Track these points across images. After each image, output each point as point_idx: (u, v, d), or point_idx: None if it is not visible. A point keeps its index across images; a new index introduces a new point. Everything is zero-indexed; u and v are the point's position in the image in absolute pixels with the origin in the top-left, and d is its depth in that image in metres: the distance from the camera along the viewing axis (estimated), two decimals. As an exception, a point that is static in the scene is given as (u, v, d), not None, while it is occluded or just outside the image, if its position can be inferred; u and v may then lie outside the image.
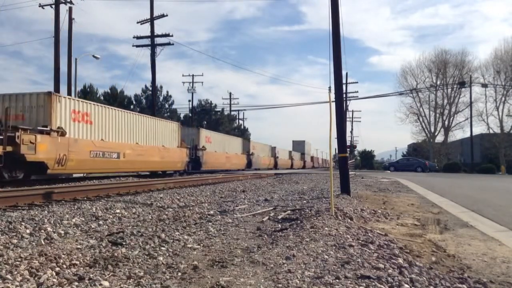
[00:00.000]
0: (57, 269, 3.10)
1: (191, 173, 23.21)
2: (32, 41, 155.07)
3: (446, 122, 50.58)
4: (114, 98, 42.60)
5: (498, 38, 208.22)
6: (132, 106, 44.58)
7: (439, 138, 51.91)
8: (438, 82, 51.30)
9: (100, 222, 5.60)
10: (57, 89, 23.61)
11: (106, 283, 2.79)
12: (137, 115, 19.22)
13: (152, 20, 28.79)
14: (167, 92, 51.94)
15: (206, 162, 26.07)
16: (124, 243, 4.11)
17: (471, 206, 7.93)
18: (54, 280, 2.83)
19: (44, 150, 12.72)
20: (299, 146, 63.68)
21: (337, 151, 14.52)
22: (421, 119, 51.84)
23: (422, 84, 51.61)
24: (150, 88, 38.80)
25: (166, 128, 21.29)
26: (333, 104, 8.36)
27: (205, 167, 26.04)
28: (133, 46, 29.77)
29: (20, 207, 7.05)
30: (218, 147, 28.95)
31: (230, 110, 57.43)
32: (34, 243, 4.18)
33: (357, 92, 63.76)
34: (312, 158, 76.46)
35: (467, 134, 45.42)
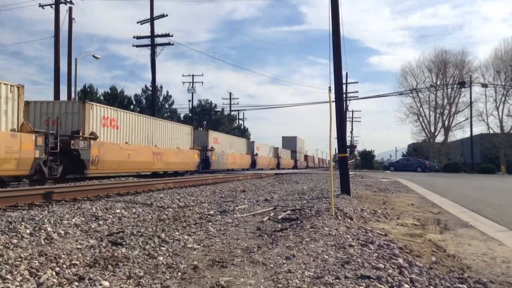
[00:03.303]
0: (57, 269, 3.10)
1: (66, 180, 14.01)
2: (33, 41, 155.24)
3: (446, 122, 50.56)
4: (114, 98, 42.58)
5: (498, 38, 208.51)
6: (132, 106, 44.57)
7: (439, 138, 51.92)
8: (438, 82, 51.24)
9: (100, 222, 5.59)
10: (57, 89, 23.64)
11: (106, 283, 2.79)
12: None
13: (152, 20, 28.81)
14: (167, 92, 52.06)
15: (100, 160, 15.44)
16: (124, 243, 4.11)
17: (471, 206, 7.93)
18: (54, 280, 2.83)
19: None
20: (289, 143, 56.42)
21: (337, 151, 14.53)
22: (421, 119, 51.84)
23: (422, 84, 51.58)
24: (150, 88, 38.86)
25: None
26: (333, 104, 8.36)
27: (97, 168, 15.49)
28: (133, 46, 29.87)
29: (20, 207, 7.05)
30: (135, 136, 18.06)
31: (230, 110, 57.46)
32: (34, 243, 4.18)
33: (357, 92, 63.20)
34: (306, 157, 68.95)
35: (467, 134, 45.41)
